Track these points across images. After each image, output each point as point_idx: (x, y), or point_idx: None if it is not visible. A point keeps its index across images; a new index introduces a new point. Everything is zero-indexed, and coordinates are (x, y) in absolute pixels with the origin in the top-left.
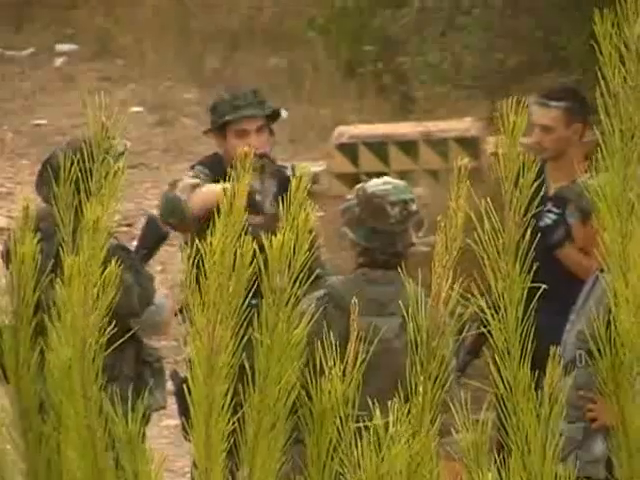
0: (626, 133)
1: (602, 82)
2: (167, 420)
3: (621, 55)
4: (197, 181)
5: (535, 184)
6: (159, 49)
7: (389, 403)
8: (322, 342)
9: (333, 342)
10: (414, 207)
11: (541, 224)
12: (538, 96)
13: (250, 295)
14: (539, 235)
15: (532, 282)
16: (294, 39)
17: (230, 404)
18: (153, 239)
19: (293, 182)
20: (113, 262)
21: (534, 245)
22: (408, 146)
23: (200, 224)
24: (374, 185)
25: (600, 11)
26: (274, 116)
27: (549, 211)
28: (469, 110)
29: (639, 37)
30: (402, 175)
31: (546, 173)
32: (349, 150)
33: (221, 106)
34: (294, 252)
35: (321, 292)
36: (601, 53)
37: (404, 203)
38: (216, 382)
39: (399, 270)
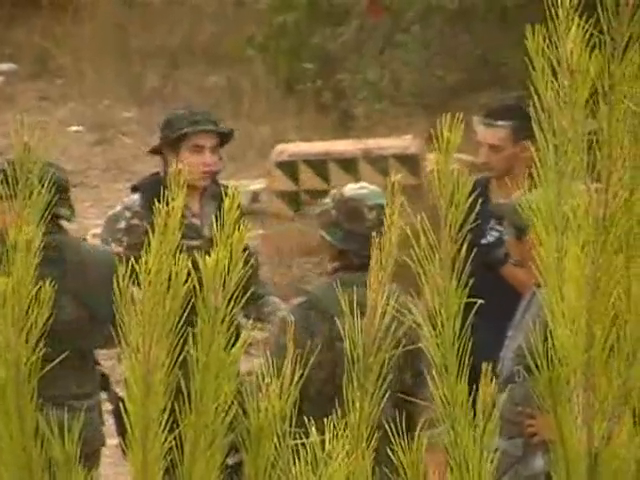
0: (560, 148)
1: (535, 97)
2: (108, 440)
3: (554, 70)
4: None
5: (471, 199)
6: (98, 68)
7: None
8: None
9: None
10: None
11: (483, 241)
12: (483, 116)
13: (185, 315)
14: (482, 252)
15: (476, 298)
16: (233, 57)
17: (167, 422)
18: None
19: (226, 201)
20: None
21: (478, 262)
22: (348, 163)
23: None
24: (351, 189)
25: (532, 26)
26: (226, 138)
27: (492, 228)
28: (408, 127)
29: (572, 51)
30: None
31: (490, 190)
32: (289, 168)
33: (177, 121)
34: (228, 270)
35: (301, 299)
36: (533, 68)
37: (381, 208)
38: (153, 401)
39: None
